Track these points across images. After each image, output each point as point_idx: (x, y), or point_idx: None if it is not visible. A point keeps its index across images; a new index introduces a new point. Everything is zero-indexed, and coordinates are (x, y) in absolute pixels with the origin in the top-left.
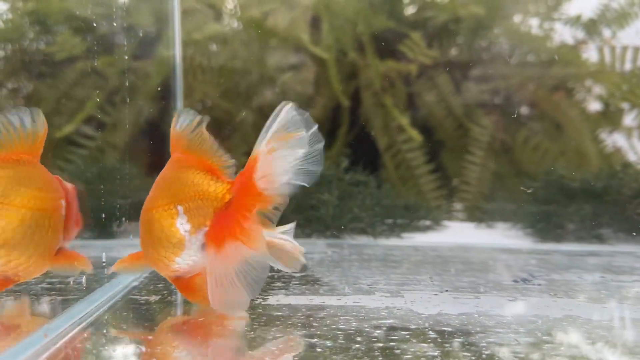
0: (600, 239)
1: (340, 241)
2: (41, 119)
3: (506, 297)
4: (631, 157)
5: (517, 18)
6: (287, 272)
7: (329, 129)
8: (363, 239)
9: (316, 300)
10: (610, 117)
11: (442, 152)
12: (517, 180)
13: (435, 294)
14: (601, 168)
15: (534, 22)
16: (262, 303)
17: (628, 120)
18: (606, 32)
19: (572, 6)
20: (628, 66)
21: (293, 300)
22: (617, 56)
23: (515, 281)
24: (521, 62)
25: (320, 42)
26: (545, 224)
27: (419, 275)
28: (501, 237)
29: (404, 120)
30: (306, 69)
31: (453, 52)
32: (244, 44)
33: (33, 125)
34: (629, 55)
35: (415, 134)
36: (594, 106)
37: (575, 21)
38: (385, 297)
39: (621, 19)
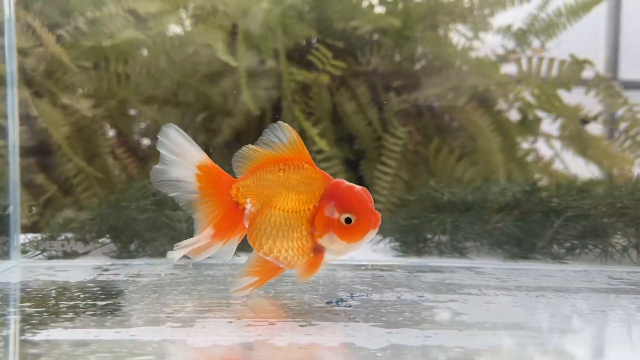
0: (461, 253)
1: (191, 260)
2: None
3: (299, 323)
4: (558, 165)
5: (443, 28)
6: (90, 301)
7: (248, 140)
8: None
9: (92, 334)
10: (528, 127)
11: (360, 163)
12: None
13: (231, 322)
14: (468, 182)
15: (460, 33)
16: (29, 338)
17: (548, 129)
18: (536, 42)
19: (505, 16)
20: (549, 75)
21: (67, 334)
22: (534, 66)
23: (329, 302)
24: (442, 73)
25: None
26: (411, 237)
27: (237, 300)
28: (368, 251)
29: (313, 131)
30: (228, 78)
31: (376, 62)
32: (163, 51)
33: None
34: (549, 65)
35: (324, 145)
36: (513, 116)
37: (506, 31)
38: (173, 327)
39: (549, 29)
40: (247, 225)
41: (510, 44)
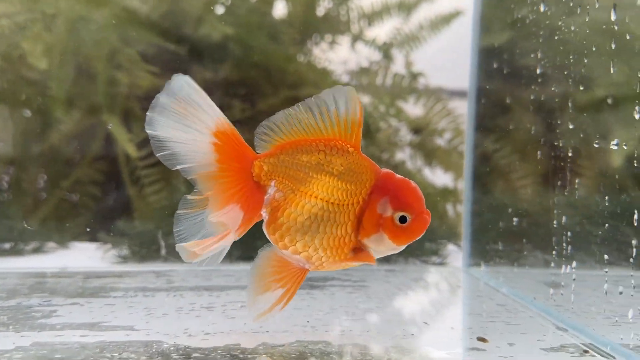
0: None
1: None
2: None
3: None
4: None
5: (313, 40)
6: None
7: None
8: None
9: None
10: (372, 137)
11: None
12: None
13: None
14: None
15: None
16: None
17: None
18: (400, 55)
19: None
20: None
21: None
22: (373, 78)
23: None
24: (282, 84)
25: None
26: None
27: None
28: (85, 258)
29: (124, 136)
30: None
31: (225, 70)
32: None
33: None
34: (384, 77)
35: (132, 150)
36: None
37: (372, 43)
38: None
39: (411, 42)
40: (265, 214)
41: (376, 56)
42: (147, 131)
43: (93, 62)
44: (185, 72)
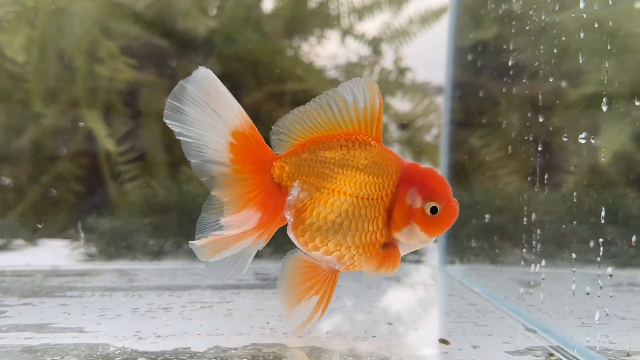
0: (155, 256)
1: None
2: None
3: None
4: None
5: (306, 34)
6: None
7: (60, 140)
8: None
9: None
10: None
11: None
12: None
13: None
14: None
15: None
16: None
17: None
18: (389, 50)
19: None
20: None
21: None
22: (360, 73)
23: None
24: (269, 79)
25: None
26: (119, 241)
27: None
28: (50, 255)
29: (102, 132)
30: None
31: (210, 63)
32: None
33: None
34: (371, 71)
35: (111, 145)
36: None
37: (361, 38)
38: None
39: (400, 36)
40: (290, 216)
41: (365, 51)
42: (165, 120)
43: (73, 56)
44: (170, 66)
